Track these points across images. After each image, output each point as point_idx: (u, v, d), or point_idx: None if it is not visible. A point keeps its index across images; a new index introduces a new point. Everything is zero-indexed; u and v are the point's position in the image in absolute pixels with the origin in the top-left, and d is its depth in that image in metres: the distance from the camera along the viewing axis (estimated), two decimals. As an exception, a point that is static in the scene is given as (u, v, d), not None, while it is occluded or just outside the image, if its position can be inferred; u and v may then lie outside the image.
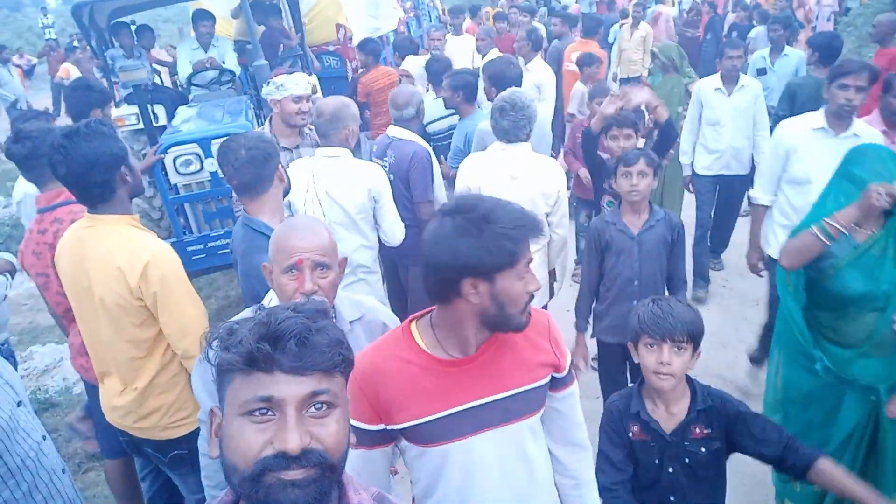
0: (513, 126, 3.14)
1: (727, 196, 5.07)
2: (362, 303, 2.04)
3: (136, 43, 6.69)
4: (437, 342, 1.52)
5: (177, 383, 2.36)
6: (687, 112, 5.08)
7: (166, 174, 4.39)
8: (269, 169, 2.44)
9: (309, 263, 1.75)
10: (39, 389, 4.37)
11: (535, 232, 1.43)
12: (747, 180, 4.77)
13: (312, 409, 0.96)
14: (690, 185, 5.10)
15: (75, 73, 11.13)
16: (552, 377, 1.62)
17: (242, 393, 0.95)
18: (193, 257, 4.37)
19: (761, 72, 6.07)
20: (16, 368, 3.05)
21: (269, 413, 0.94)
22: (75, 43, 14.09)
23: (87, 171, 2.09)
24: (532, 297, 1.45)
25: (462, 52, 6.88)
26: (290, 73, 3.69)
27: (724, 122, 4.72)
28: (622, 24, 9.07)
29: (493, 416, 1.54)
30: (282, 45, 6.67)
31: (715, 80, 4.82)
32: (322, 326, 0.99)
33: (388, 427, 1.53)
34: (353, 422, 1.42)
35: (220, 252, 4.42)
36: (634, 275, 2.91)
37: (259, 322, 0.97)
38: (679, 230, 2.96)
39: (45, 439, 1.97)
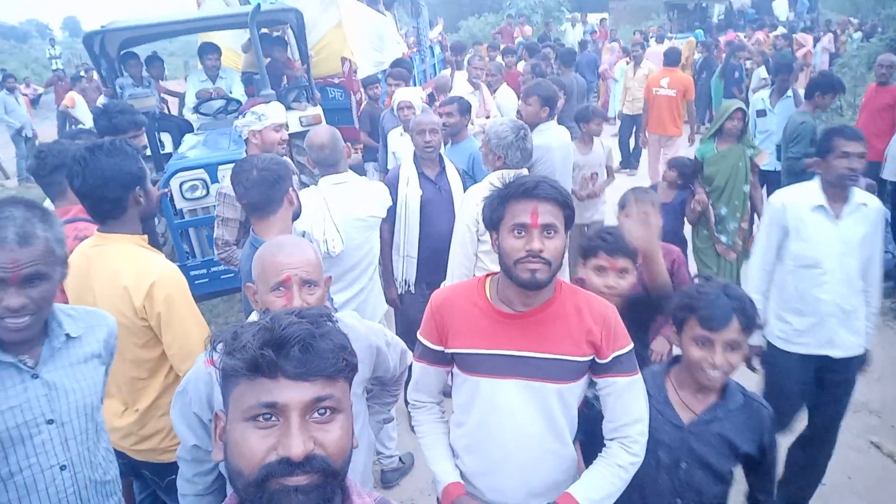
0: (531, 150, 3.24)
1: (828, 391, 2.96)
2: (345, 322, 1.99)
3: (145, 73, 6.80)
4: (497, 295, 1.79)
5: None
6: (757, 239, 3.08)
7: (172, 199, 4.43)
8: (279, 191, 2.47)
9: (297, 280, 1.76)
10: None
11: (524, 195, 1.66)
12: (857, 364, 2.93)
13: (316, 414, 0.96)
14: (756, 362, 3.02)
15: (80, 101, 11.45)
16: (595, 361, 1.78)
17: (246, 398, 0.95)
18: (196, 282, 4.38)
19: (761, 113, 6.14)
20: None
21: (273, 419, 0.94)
22: (81, 73, 14.33)
23: (101, 185, 2.12)
24: (536, 257, 1.64)
25: (465, 85, 7.01)
26: (268, 103, 3.66)
27: (827, 266, 2.81)
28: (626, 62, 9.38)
29: (525, 369, 1.76)
30: (285, 77, 6.79)
31: (813, 192, 2.86)
32: (326, 332, 0.99)
33: (446, 350, 1.84)
34: (421, 339, 1.91)
35: (222, 277, 4.43)
36: None
37: (263, 327, 0.96)
38: None
39: (63, 469, 1.79)
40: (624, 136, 9.56)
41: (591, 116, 4.94)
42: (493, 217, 1.73)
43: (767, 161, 5.76)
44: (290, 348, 0.94)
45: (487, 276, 1.87)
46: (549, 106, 4.31)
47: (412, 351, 2.03)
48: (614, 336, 1.78)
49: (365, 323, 2.11)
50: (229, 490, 1.16)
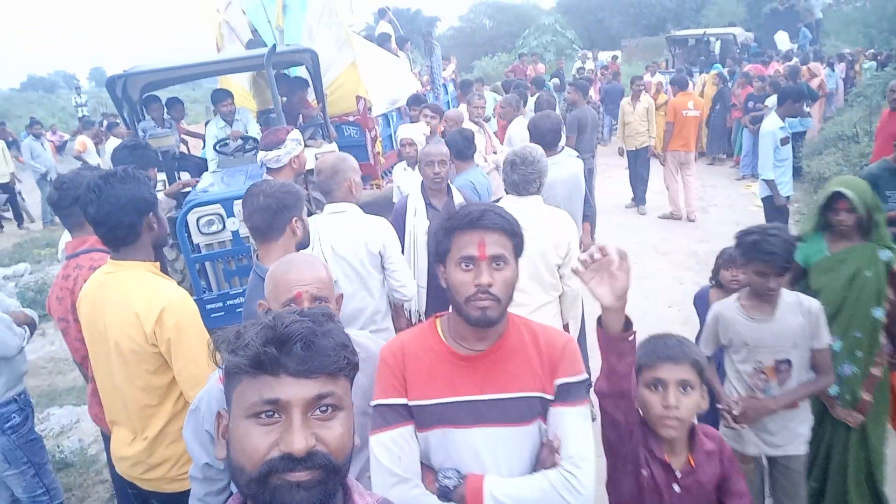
0: (522, 180, 3.22)
1: None
2: (357, 341, 1.98)
3: (166, 115, 6.99)
4: (450, 335, 1.67)
5: None
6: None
7: (189, 234, 4.51)
8: (281, 219, 2.47)
9: (307, 297, 1.77)
10: (57, 448, 4.36)
11: (470, 226, 1.57)
12: None
13: (317, 411, 0.97)
14: None
15: (91, 147, 12.25)
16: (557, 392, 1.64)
17: (249, 395, 0.97)
18: (213, 315, 4.42)
19: (784, 141, 6.13)
20: (31, 421, 3.07)
21: (275, 415, 0.96)
22: (106, 120, 14.79)
23: (116, 211, 2.17)
24: (485, 293, 1.54)
25: (471, 124, 7.12)
26: (289, 131, 3.70)
27: None
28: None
29: (492, 414, 1.61)
30: (300, 115, 6.94)
31: None
32: (327, 330, 1.00)
33: (409, 403, 1.63)
34: (382, 401, 1.62)
35: (238, 310, 4.47)
36: None
37: (265, 325, 0.98)
38: None
39: None
40: (633, 173, 9.40)
41: (777, 261, 2.48)
42: (440, 249, 1.63)
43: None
44: (293, 345, 0.96)
45: (437, 316, 1.74)
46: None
47: None
48: (567, 362, 1.64)
49: (377, 342, 2.11)
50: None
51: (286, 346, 0.96)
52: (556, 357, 1.64)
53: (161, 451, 2.31)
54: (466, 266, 1.57)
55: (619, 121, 9.45)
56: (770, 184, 6.02)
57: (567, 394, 1.63)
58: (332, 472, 0.96)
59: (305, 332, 0.97)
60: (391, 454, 1.58)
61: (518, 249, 1.62)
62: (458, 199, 3.85)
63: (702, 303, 3.37)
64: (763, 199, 6.24)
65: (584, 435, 1.62)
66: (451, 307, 1.65)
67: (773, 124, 6.10)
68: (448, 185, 3.86)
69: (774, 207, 6.12)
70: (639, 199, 9.38)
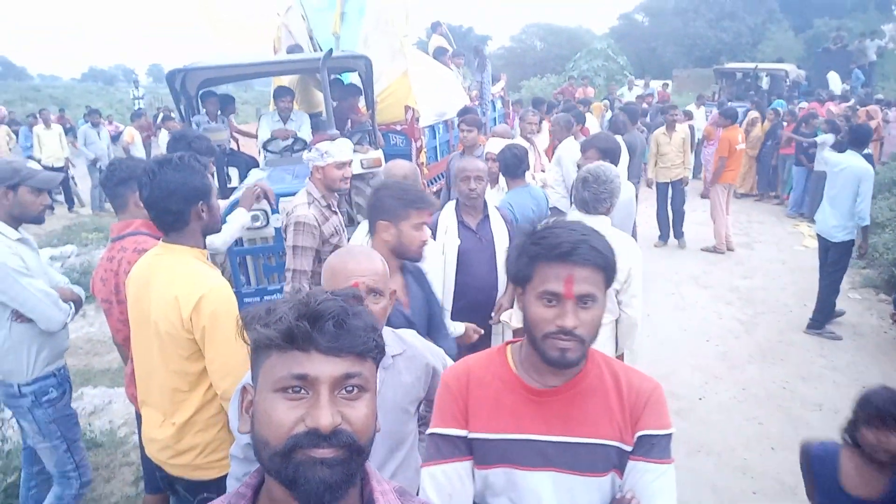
0: (593, 198, 3.16)
1: None
2: (404, 339, 2.03)
3: (220, 112, 7.16)
4: (521, 365, 1.52)
5: (216, 423, 2.35)
6: None
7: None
8: (371, 216, 2.61)
9: (364, 287, 1.79)
10: (88, 427, 4.43)
11: (558, 259, 1.37)
12: None
13: (344, 391, 0.98)
14: None
15: (138, 138, 13.30)
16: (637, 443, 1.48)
17: (278, 370, 0.97)
18: (248, 309, 4.46)
19: None
20: (68, 397, 3.13)
21: (303, 392, 0.96)
22: (162, 113, 15.26)
23: (165, 197, 2.21)
24: (568, 334, 1.37)
25: (521, 141, 7.12)
26: (333, 140, 3.65)
27: None
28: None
29: (560, 459, 1.45)
30: (349, 121, 7.02)
31: None
32: (358, 311, 1.01)
33: (468, 436, 1.50)
34: (439, 430, 1.52)
35: (274, 306, 4.50)
36: None
37: (299, 301, 0.99)
38: None
39: None
40: (662, 207, 9.07)
41: None
42: (519, 274, 1.45)
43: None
44: (325, 322, 0.97)
45: (508, 343, 1.61)
46: (608, 158, 4.24)
47: None
48: (653, 412, 1.47)
49: (424, 342, 2.10)
50: None
51: (318, 322, 0.97)
52: (640, 405, 1.47)
53: (189, 439, 2.33)
54: (549, 302, 1.39)
55: (652, 152, 9.05)
56: (865, 230, 5.70)
57: (650, 448, 1.46)
58: (355, 452, 0.96)
59: (338, 311, 0.98)
60: (441, 491, 1.47)
61: (609, 281, 1.43)
62: (494, 217, 3.71)
63: (823, 469, 2.30)
64: (834, 244, 5.70)
65: (668, 497, 1.44)
66: (525, 337, 1.48)
67: (868, 165, 5.66)
68: (485, 202, 3.69)
69: (839, 253, 5.72)
70: (676, 232, 9.15)
